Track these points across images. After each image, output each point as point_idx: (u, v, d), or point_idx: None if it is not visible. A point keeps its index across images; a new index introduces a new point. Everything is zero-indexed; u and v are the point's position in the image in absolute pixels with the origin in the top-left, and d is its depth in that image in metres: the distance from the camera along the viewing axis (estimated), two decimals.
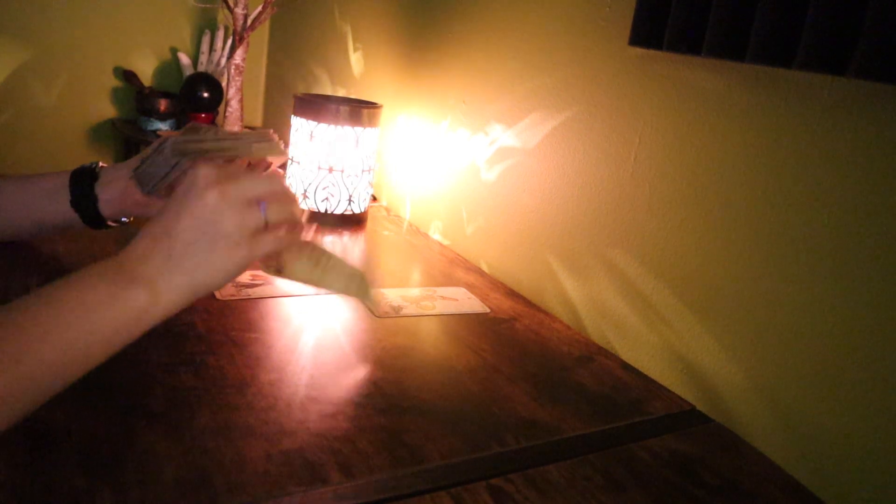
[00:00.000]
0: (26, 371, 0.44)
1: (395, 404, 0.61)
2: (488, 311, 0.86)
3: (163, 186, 0.74)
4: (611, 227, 0.85)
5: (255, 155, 0.71)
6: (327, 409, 0.58)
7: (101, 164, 0.76)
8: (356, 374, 0.65)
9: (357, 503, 0.48)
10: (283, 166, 0.80)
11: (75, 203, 0.73)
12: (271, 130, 0.73)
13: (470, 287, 0.93)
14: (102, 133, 2.09)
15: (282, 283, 0.83)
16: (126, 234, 0.90)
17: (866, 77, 0.55)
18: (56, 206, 0.74)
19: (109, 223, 0.77)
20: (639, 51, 0.80)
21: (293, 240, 0.57)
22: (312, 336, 0.71)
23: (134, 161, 0.76)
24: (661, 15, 0.73)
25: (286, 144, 0.96)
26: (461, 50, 1.14)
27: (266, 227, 0.54)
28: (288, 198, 0.57)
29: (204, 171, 0.53)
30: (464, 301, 0.87)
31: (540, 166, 0.97)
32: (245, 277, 0.83)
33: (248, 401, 0.57)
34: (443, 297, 0.87)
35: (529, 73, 0.98)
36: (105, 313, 0.48)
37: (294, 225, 0.57)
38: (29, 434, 0.48)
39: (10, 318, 0.46)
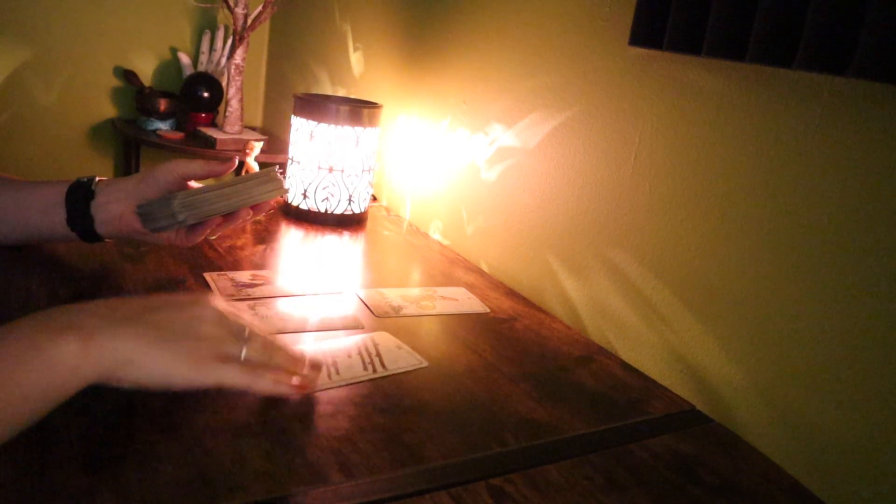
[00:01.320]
0: None
1: (395, 404, 0.61)
2: (488, 311, 0.86)
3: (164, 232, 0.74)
4: (611, 227, 0.85)
5: (260, 200, 0.72)
6: (327, 409, 0.58)
7: (97, 179, 0.74)
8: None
9: (357, 503, 0.48)
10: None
11: (71, 222, 0.72)
12: (277, 167, 0.73)
13: (470, 287, 0.93)
14: (102, 133, 2.09)
15: (282, 283, 0.83)
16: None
17: (866, 77, 0.55)
18: (51, 222, 0.73)
19: (106, 240, 0.77)
20: (639, 51, 0.80)
21: (257, 386, 0.53)
22: (312, 335, 0.71)
23: (132, 185, 0.73)
24: (661, 15, 0.73)
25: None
26: (461, 50, 1.14)
27: (238, 361, 0.52)
28: (272, 348, 0.55)
29: (214, 303, 0.54)
30: (464, 301, 0.88)
31: (540, 166, 0.97)
32: (245, 277, 0.83)
33: (248, 401, 0.57)
34: (443, 297, 0.87)
35: (529, 73, 0.98)
36: (29, 364, 0.43)
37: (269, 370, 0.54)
38: (29, 434, 0.48)
39: None
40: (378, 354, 0.68)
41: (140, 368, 0.47)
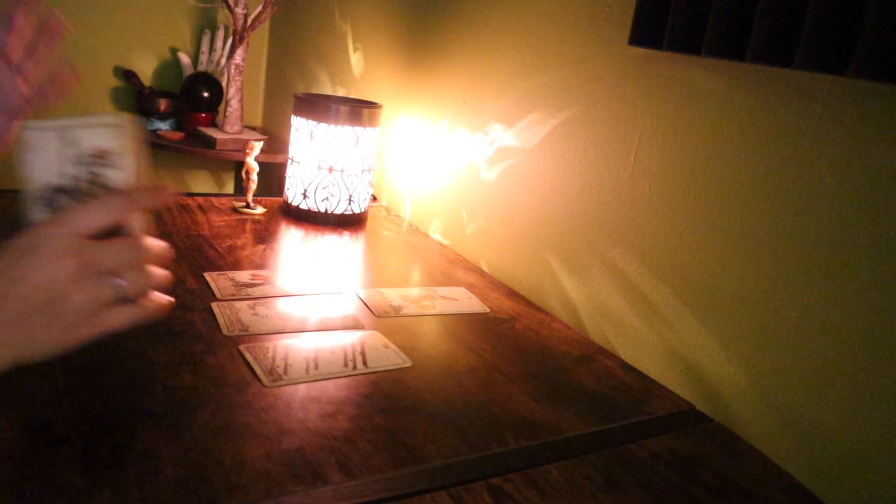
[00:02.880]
0: None
1: (395, 404, 0.61)
2: (488, 310, 0.86)
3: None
4: (611, 226, 0.85)
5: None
6: (327, 409, 0.58)
7: None
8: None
9: (357, 503, 0.48)
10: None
11: None
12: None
13: (470, 287, 0.93)
14: None
15: (282, 283, 0.83)
16: None
17: (866, 77, 0.55)
18: None
19: None
20: (639, 51, 0.80)
21: (146, 313, 0.48)
22: (312, 335, 0.71)
23: None
24: (661, 15, 0.73)
25: (286, 143, 0.90)
26: (461, 50, 1.14)
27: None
28: (145, 263, 0.48)
29: (55, 233, 0.44)
30: (464, 301, 0.88)
31: (540, 166, 0.97)
32: (245, 277, 0.83)
33: (248, 401, 0.57)
34: (443, 297, 0.87)
35: (529, 73, 0.98)
36: None
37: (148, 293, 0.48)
38: (29, 434, 0.48)
39: None
40: (362, 353, 0.69)
41: (16, 351, 0.43)
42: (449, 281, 0.95)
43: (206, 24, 2.13)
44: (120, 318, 0.46)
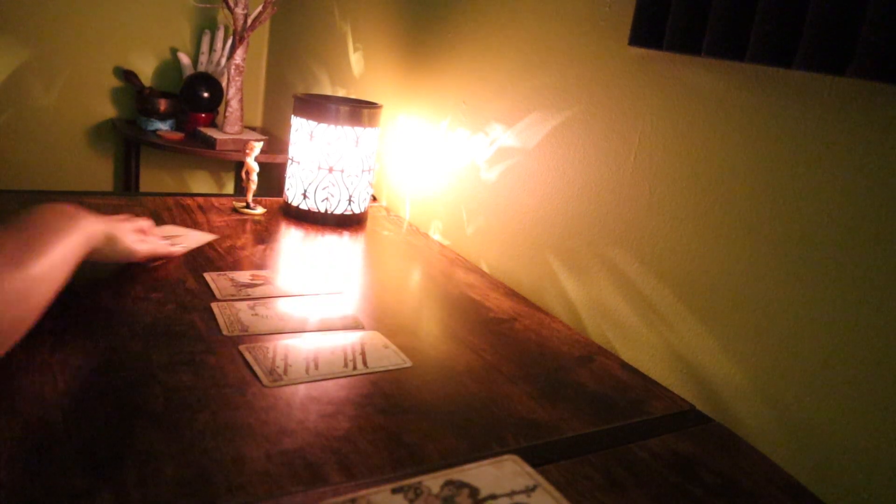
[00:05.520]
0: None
1: (395, 404, 0.61)
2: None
3: None
4: (611, 226, 0.85)
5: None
6: (327, 409, 0.58)
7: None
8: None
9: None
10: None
11: None
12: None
13: (470, 287, 0.93)
14: (102, 133, 2.09)
15: (282, 283, 0.83)
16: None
17: (866, 77, 0.55)
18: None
19: None
20: (639, 51, 0.80)
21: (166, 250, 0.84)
22: (312, 335, 0.71)
23: None
24: (661, 15, 0.73)
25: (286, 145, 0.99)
26: (461, 50, 1.14)
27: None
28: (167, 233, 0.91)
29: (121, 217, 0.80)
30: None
31: (540, 166, 0.97)
32: (245, 277, 0.83)
33: (248, 401, 0.57)
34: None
35: (529, 73, 0.98)
36: (70, 232, 0.62)
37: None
38: (29, 434, 0.48)
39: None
40: (362, 353, 0.68)
41: (116, 244, 0.72)
42: (449, 281, 0.95)
43: (206, 25, 2.13)
44: (160, 246, 0.82)
